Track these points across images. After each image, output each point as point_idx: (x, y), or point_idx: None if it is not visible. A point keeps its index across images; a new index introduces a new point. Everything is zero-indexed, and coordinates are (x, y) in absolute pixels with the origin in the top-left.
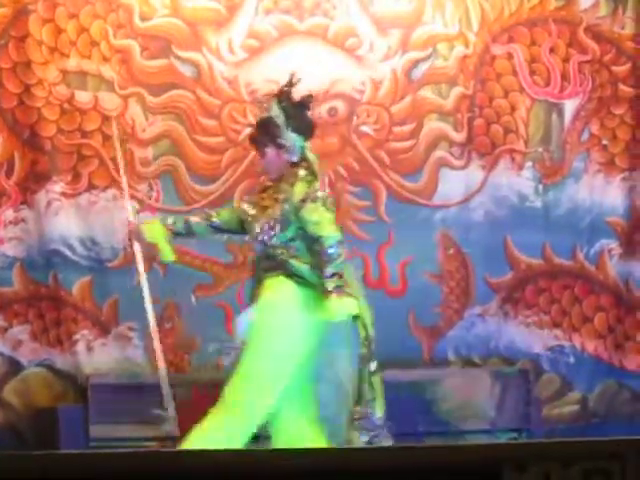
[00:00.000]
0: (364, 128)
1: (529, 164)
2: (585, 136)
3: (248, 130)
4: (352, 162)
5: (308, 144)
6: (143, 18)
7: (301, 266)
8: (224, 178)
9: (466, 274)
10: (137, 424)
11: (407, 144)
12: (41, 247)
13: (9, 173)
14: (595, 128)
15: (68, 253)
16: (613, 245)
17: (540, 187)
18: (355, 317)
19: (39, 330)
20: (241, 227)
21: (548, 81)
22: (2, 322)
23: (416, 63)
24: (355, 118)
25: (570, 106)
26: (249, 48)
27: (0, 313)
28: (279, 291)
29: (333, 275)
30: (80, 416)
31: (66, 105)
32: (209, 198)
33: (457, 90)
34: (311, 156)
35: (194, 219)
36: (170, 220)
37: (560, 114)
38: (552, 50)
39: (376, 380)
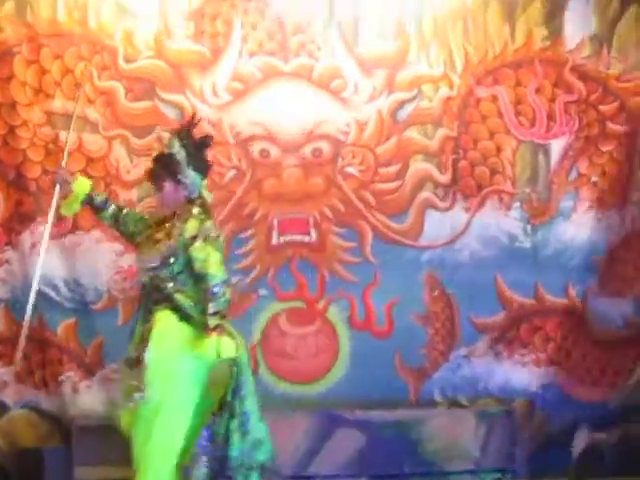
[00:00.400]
0: (349, 169)
1: (517, 205)
2: (573, 175)
3: (232, 173)
4: (337, 203)
5: (205, 182)
6: (127, 60)
7: (186, 301)
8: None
9: (451, 315)
10: (121, 466)
11: (393, 185)
12: (25, 288)
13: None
14: (584, 166)
15: (52, 294)
16: (594, 282)
17: (529, 227)
18: (232, 360)
19: (24, 371)
20: (131, 237)
21: (534, 122)
22: None
23: (402, 104)
24: (340, 159)
25: (557, 146)
26: (233, 91)
27: None
28: (166, 326)
29: (215, 313)
30: (65, 457)
31: (51, 146)
32: None
33: (442, 131)
34: (207, 195)
35: (111, 203)
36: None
37: (546, 154)
38: (538, 90)
39: (234, 425)
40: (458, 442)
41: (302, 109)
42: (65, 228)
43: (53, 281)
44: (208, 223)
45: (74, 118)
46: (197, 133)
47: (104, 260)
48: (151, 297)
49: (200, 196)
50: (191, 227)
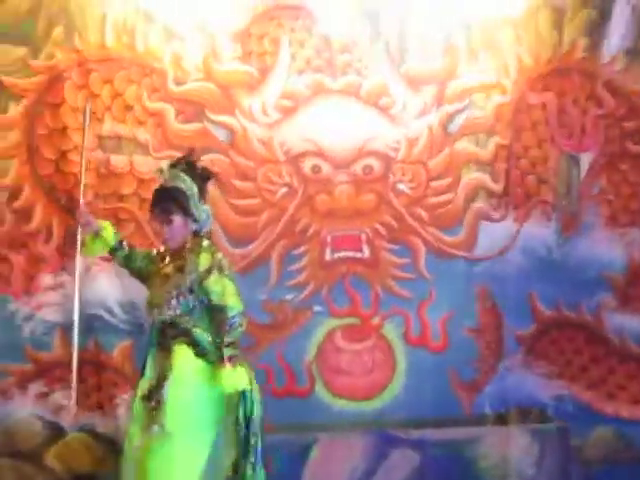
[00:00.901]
0: (400, 186)
1: (555, 216)
2: (595, 190)
3: (283, 190)
4: (389, 219)
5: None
6: (177, 82)
7: (203, 335)
8: (261, 239)
9: (499, 327)
10: None
11: (446, 198)
12: (81, 312)
13: (48, 239)
14: (603, 183)
15: (108, 317)
16: (609, 299)
17: (560, 240)
18: (244, 391)
19: (80, 395)
20: (139, 273)
21: (571, 133)
22: (43, 387)
23: (452, 116)
24: (391, 176)
25: (585, 159)
26: (283, 108)
27: (41, 378)
28: (185, 361)
29: (231, 344)
30: None
31: (102, 169)
32: (247, 260)
33: (495, 140)
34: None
35: (124, 242)
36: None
37: (578, 167)
38: (575, 102)
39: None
40: (512, 459)
41: (351, 126)
42: None
43: (107, 304)
44: (219, 255)
45: (83, 155)
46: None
47: None
48: (166, 332)
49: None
50: (204, 260)
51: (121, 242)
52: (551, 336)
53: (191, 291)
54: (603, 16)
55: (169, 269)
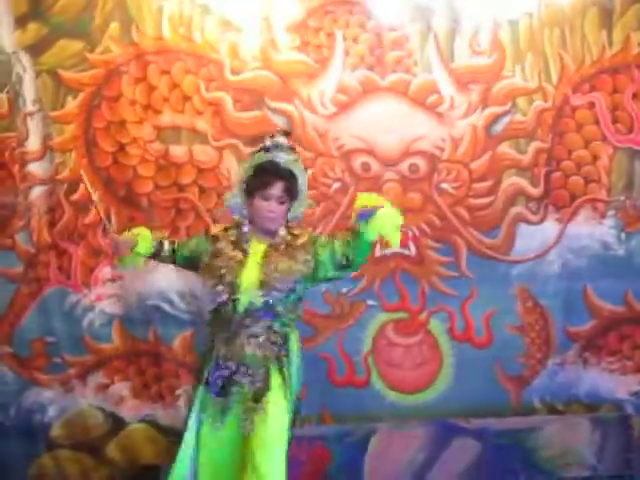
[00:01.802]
0: (444, 185)
1: (611, 213)
2: None
3: (337, 185)
4: (433, 218)
5: None
6: (234, 72)
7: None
8: (318, 231)
9: (545, 325)
10: None
11: (486, 200)
12: (140, 303)
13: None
14: None
15: (168, 308)
16: None
17: (623, 235)
18: None
19: (140, 386)
20: (190, 262)
21: (631, 128)
22: (103, 379)
23: (495, 118)
24: (436, 175)
25: None
26: (338, 102)
27: (101, 370)
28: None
29: None
30: None
31: (161, 161)
32: None
33: (535, 144)
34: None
35: (164, 240)
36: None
37: None
38: (635, 96)
39: None
40: (573, 449)
41: (399, 124)
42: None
43: (168, 295)
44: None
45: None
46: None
47: None
48: (243, 324)
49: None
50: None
51: (161, 243)
52: (620, 331)
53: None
54: None
55: (261, 252)
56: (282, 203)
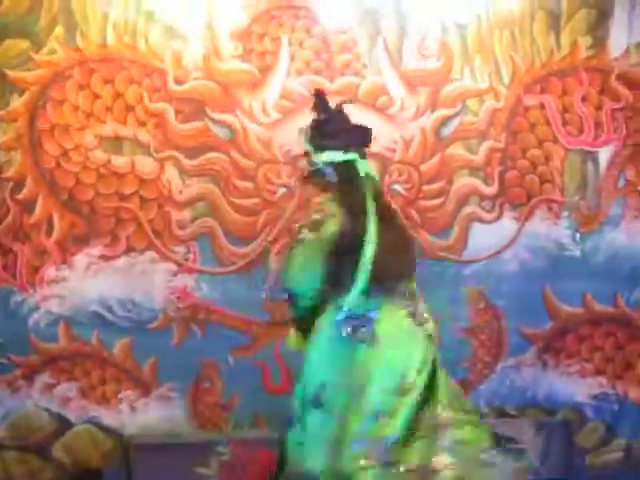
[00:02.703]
0: (396, 187)
1: (565, 213)
2: (621, 183)
3: (283, 190)
4: None
5: None
6: (177, 81)
7: None
8: (260, 239)
9: (498, 327)
10: None
11: (436, 202)
12: (82, 307)
13: (49, 232)
14: (631, 174)
15: (107, 314)
16: None
17: (577, 236)
18: None
19: (86, 387)
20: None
21: (581, 130)
22: (49, 379)
23: (445, 120)
24: (387, 177)
25: (605, 154)
26: (282, 109)
27: (47, 369)
28: None
29: None
30: (125, 477)
31: (103, 170)
32: (246, 259)
33: (487, 144)
34: None
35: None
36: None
37: (595, 162)
38: (584, 99)
39: None
40: None
41: None
42: (119, 249)
43: (107, 302)
44: None
45: None
46: None
47: (158, 280)
48: None
49: None
50: None
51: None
52: (579, 333)
53: None
54: (603, 14)
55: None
56: None
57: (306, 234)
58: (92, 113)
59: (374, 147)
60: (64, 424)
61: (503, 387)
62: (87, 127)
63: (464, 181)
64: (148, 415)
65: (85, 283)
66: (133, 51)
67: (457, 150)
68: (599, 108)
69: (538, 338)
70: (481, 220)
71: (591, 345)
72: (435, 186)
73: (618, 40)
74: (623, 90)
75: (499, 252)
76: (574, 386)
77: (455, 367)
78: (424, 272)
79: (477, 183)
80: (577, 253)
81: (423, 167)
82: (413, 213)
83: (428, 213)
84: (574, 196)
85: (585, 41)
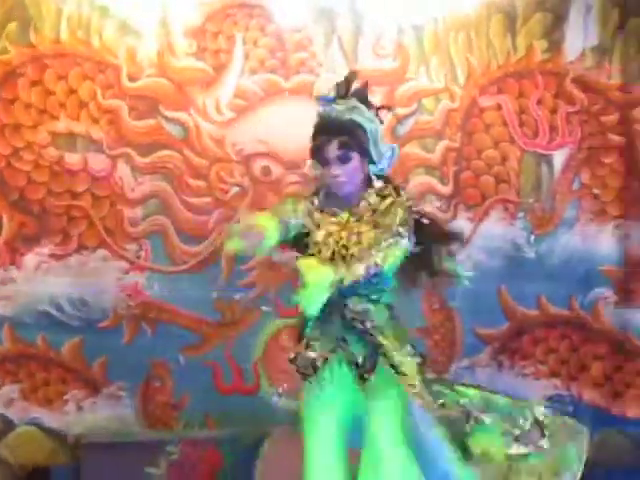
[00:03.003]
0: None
1: (521, 215)
2: (576, 185)
3: (235, 190)
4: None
5: None
6: (131, 78)
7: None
8: (212, 238)
9: (452, 327)
10: None
11: None
12: (30, 308)
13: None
14: (586, 177)
15: (57, 314)
16: (608, 293)
17: (532, 237)
18: None
19: (30, 389)
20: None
21: (537, 132)
22: None
23: (401, 119)
24: None
25: (560, 156)
26: (236, 107)
27: None
28: None
29: None
30: (73, 476)
31: (55, 167)
32: (198, 258)
33: (443, 144)
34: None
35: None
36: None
37: (550, 165)
38: (540, 102)
39: None
40: None
41: (303, 126)
42: (70, 248)
43: (57, 301)
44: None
45: None
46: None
47: (110, 278)
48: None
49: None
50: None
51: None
52: (534, 335)
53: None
54: (559, 18)
55: (361, 226)
56: (347, 161)
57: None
58: (45, 110)
59: None
60: (7, 425)
61: None
62: (40, 124)
63: (420, 180)
64: (97, 414)
65: (34, 283)
66: (87, 47)
67: (413, 149)
68: (554, 111)
69: (493, 339)
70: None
71: (546, 347)
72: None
73: (573, 44)
74: (578, 93)
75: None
76: (529, 388)
77: None
78: None
79: (433, 182)
80: (532, 255)
81: None
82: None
83: None
84: (529, 198)
85: (541, 44)
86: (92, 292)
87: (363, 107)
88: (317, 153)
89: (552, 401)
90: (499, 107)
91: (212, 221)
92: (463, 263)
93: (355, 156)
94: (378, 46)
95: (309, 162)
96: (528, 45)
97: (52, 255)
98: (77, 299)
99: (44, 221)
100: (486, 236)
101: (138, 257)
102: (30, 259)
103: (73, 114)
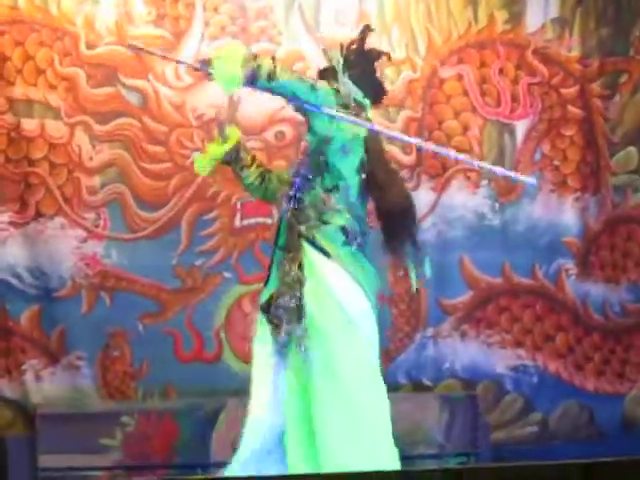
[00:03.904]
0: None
1: (484, 182)
2: (537, 156)
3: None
4: None
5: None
6: (89, 46)
7: None
8: (172, 204)
9: (417, 296)
10: (85, 453)
11: None
12: None
13: None
14: (547, 149)
15: (15, 282)
16: (570, 265)
17: (497, 205)
18: None
19: None
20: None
21: (499, 102)
22: None
23: None
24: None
25: (521, 127)
26: (195, 73)
27: None
28: None
29: None
30: (28, 446)
31: (13, 133)
32: (156, 225)
33: (405, 113)
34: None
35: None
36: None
37: (512, 134)
38: (501, 72)
39: None
40: (421, 427)
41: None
42: (28, 215)
43: (16, 269)
44: None
45: None
46: None
47: (68, 247)
48: None
49: None
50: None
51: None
52: (498, 304)
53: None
54: None
55: None
56: None
57: None
58: (2, 76)
59: (290, 113)
60: None
61: (421, 358)
62: None
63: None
64: (55, 384)
65: None
66: (44, 14)
67: (376, 118)
68: (516, 82)
69: (456, 309)
70: None
71: (510, 316)
72: None
73: (534, 15)
74: (539, 65)
75: (419, 221)
76: (494, 357)
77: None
78: None
79: (396, 151)
80: (496, 223)
81: None
82: None
83: None
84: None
85: (502, 15)
86: (49, 261)
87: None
88: None
89: (517, 371)
90: (460, 77)
91: (171, 186)
92: (427, 232)
93: None
94: (340, 14)
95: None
96: (489, 15)
97: (10, 222)
98: (35, 267)
99: (2, 188)
100: (447, 206)
101: (96, 226)
102: None
103: (30, 80)
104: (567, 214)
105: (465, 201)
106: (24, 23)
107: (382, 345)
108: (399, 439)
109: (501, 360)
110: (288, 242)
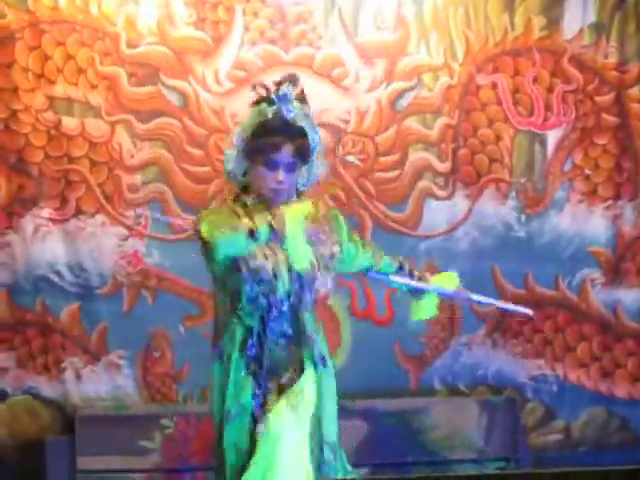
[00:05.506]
0: (350, 158)
1: (513, 194)
2: (568, 166)
3: None
4: (338, 192)
5: None
6: (130, 46)
7: None
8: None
9: (452, 304)
10: (124, 455)
11: (392, 174)
12: (28, 272)
13: None
14: (578, 158)
15: (56, 279)
16: (596, 274)
17: (523, 217)
18: None
19: (25, 357)
20: None
21: (531, 111)
22: None
23: (401, 93)
24: (341, 148)
25: (553, 136)
26: (235, 78)
27: None
28: None
29: None
30: (67, 447)
31: (53, 131)
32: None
33: (442, 120)
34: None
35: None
36: None
37: (543, 144)
38: (536, 80)
39: None
40: (460, 431)
41: None
42: (68, 212)
43: (56, 266)
44: None
45: None
46: None
47: (109, 244)
48: None
49: None
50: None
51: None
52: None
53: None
54: None
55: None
56: (294, 169)
57: None
58: (43, 74)
59: (328, 117)
60: (0, 396)
61: (456, 364)
62: (37, 89)
63: (419, 155)
64: (95, 384)
65: (32, 247)
66: (85, 15)
67: (413, 124)
68: (550, 90)
69: (488, 316)
70: (435, 196)
71: (532, 327)
72: (391, 158)
73: (572, 21)
74: (575, 72)
75: (452, 230)
76: (517, 366)
77: (413, 342)
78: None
79: (431, 158)
80: (522, 234)
81: (378, 139)
82: (368, 184)
83: (383, 185)
84: (521, 177)
85: (539, 21)
86: (90, 258)
87: (312, 116)
88: (267, 154)
89: (536, 381)
90: (494, 86)
91: (211, 191)
92: (461, 240)
93: (299, 166)
94: (378, 19)
95: (230, 154)
96: (526, 22)
97: (50, 219)
98: (75, 264)
99: (42, 184)
100: (481, 214)
101: (138, 224)
102: (28, 222)
103: (71, 79)
104: (595, 223)
105: (496, 211)
106: (65, 23)
107: (417, 351)
108: (438, 443)
109: (523, 369)
110: None
